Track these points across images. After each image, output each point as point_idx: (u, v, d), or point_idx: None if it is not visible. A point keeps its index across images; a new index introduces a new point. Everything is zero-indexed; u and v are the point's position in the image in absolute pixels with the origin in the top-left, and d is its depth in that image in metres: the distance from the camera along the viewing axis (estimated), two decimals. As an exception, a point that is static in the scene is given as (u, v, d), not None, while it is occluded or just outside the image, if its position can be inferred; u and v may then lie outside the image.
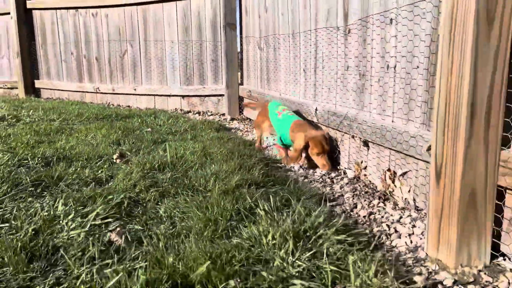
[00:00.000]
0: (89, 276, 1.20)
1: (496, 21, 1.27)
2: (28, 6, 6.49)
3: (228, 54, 4.96)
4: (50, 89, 6.68)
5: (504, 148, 1.38)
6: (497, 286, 1.32)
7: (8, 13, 6.60)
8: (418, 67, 1.88)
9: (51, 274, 1.22)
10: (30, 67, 6.69)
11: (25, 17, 6.53)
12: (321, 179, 2.52)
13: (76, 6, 6.08)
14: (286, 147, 2.93)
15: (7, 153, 2.49)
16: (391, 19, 2.07)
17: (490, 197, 1.38)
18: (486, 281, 1.35)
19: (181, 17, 5.30)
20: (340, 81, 2.65)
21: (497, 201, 1.41)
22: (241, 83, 5.10)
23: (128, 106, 5.85)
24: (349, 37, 2.51)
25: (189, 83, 5.43)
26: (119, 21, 5.78)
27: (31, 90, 6.73)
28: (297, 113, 3.12)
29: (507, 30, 1.28)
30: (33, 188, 2.01)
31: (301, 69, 3.28)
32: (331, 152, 2.71)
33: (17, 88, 6.85)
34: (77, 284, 1.15)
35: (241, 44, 5.02)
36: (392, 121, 2.12)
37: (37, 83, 6.75)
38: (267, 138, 3.38)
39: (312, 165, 2.71)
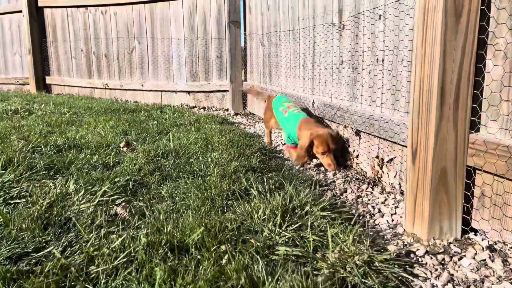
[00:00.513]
0: (97, 240, 1.36)
1: (463, 16, 1.40)
2: (40, 4, 6.70)
3: (232, 51, 5.11)
4: (61, 85, 6.89)
5: (472, 131, 1.51)
6: (464, 255, 1.45)
7: (20, 11, 6.82)
8: (402, 60, 2.01)
9: (63, 238, 1.38)
10: (41, 64, 6.91)
11: (36, 15, 6.74)
12: (315, 168, 2.66)
13: (86, 4, 6.28)
14: (296, 145, 2.79)
15: (21, 140, 2.66)
16: (380, 15, 2.20)
17: (460, 176, 1.52)
18: (455, 252, 1.48)
19: (187, 14, 5.46)
20: (335, 75, 2.79)
21: (467, 180, 1.54)
22: (245, 79, 5.25)
23: (136, 102, 6.03)
24: (343, 33, 2.65)
25: (194, 79, 5.59)
26: (127, 18, 5.96)
27: (42, 86, 6.94)
28: (305, 110, 3.04)
29: (473, 24, 1.41)
30: (46, 172, 2.18)
31: (300, 64, 3.42)
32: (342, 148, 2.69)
33: (28, 84, 7.07)
34: (87, 246, 1.31)
35: (245, 41, 5.17)
36: (381, 111, 2.25)
37: (48, 79, 6.96)
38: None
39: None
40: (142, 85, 5.94)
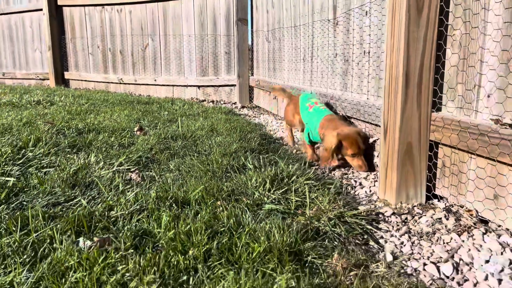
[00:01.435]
0: (115, 196, 1.65)
1: (424, 11, 1.65)
2: (59, 3, 7.07)
3: (240, 47, 5.39)
4: (78, 80, 7.25)
5: (434, 110, 1.76)
6: (424, 215, 1.71)
7: (41, 10, 7.21)
8: (384, 51, 2.26)
9: (88, 194, 1.67)
10: (60, 60, 7.28)
11: (56, 13, 7.12)
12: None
13: (103, 3, 6.62)
14: (313, 144, 2.67)
15: (47, 124, 2.98)
16: (366, 12, 2.46)
17: (423, 149, 1.77)
18: (417, 213, 1.74)
19: (198, 12, 5.76)
20: (330, 67, 3.04)
21: (430, 153, 1.79)
22: (251, 74, 5.53)
23: (149, 96, 6.35)
24: (337, 28, 2.90)
25: (204, 74, 5.89)
26: (141, 16, 6.29)
27: (61, 80, 7.32)
28: (329, 106, 2.91)
29: (434, 18, 1.66)
30: (69, 149, 2.48)
31: (300, 58, 3.69)
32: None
33: (48, 79, 7.46)
34: (107, 199, 1.60)
35: (252, 38, 5.44)
36: (367, 98, 2.51)
37: (66, 75, 7.33)
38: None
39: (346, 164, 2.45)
40: (155, 80, 6.25)
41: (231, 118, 3.87)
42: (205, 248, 1.25)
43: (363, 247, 1.45)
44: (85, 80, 7.15)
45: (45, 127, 2.90)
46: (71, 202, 1.58)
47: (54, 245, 1.24)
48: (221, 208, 1.54)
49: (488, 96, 1.53)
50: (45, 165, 2.08)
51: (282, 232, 1.35)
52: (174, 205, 1.57)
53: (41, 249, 1.20)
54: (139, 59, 6.44)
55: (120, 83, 6.71)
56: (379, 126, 2.32)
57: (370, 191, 2.06)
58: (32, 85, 7.72)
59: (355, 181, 2.22)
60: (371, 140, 2.46)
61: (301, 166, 2.18)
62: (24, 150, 2.28)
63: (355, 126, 2.51)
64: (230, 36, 5.58)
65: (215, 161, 2.24)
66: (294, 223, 1.45)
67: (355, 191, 2.08)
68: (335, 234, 1.49)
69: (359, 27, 2.56)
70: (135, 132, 3.03)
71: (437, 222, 1.63)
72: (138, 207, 1.51)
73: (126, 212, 1.47)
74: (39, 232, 1.30)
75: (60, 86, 7.20)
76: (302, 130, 2.88)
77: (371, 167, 2.34)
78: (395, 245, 1.49)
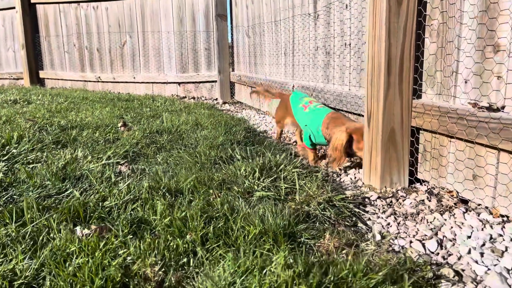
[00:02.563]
0: (107, 188, 1.66)
1: (403, 2, 1.72)
2: (32, 0, 6.91)
3: (220, 43, 5.41)
4: (54, 79, 7.11)
5: (415, 97, 1.84)
6: (408, 198, 1.78)
7: (13, 8, 7.02)
8: (365, 42, 2.33)
9: (79, 186, 1.68)
10: (34, 58, 7.12)
11: (29, 11, 6.95)
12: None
13: (78, 0, 6.51)
14: (315, 147, 2.47)
15: (29, 121, 2.94)
16: (346, 5, 2.52)
17: (406, 135, 1.85)
18: (401, 196, 1.81)
19: (176, 9, 5.74)
20: (312, 60, 3.11)
21: (412, 139, 1.87)
22: (232, 70, 5.55)
23: (128, 93, 6.29)
24: (317, 22, 2.97)
25: (184, 70, 5.87)
26: (118, 13, 6.22)
27: (36, 80, 7.16)
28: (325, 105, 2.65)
29: (412, 8, 1.73)
30: (54, 145, 2.46)
31: (282, 52, 3.74)
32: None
33: (22, 78, 7.28)
34: (100, 191, 1.61)
35: (232, 33, 5.46)
36: (349, 89, 2.58)
37: (41, 74, 7.18)
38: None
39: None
40: (134, 78, 6.20)
41: (214, 113, 3.89)
42: (202, 233, 1.28)
43: (352, 228, 1.51)
44: (62, 79, 7.02)
45: (26, 124, 2.86)
46: (63, 194, 1.58)
47: (51, 234, 1.25)
48: (214, 196, 1.58)
49: (466, 82, 1.61)
50: (31, 161, 2.06)
51: (275, 215, 1.40)
52: (167, 194, 1.59)
53: (40, 238, 1.20)
54: (117, 56, 6.37)
55: (98, 82, 6.62)
56: (362, 116, 2.39)
57: (355, 177, 2.13)
58: (6, 85, 7.53)
59: (340, 169, 2.28)
60: (354, 129, 2.52)
61: (288, 156, 2.23)
62: (8, 147, 2.25)
63: (360, 122, 2.32)
64: (210, 32, 5.59)
65: (203, 153, 2.27)
66: (286, 208, 1.50)
67: (340, 179, 2.15)
68: (325, 217, 1.54)
69: (340, 20, 2.63)
70: (119, 128, 3.02)
71: (420, 204, 1.71)
72: (131, 197, 1.53)
73: (120, 202, 1.49)
74: (35, 222, 1.30)
75: (35, 85, 7.04)
76: (300, 133, 2.77)
77: None
78: (382, 225, 1.56)
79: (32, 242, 1.19)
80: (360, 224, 1.56)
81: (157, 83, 6.09)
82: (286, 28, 3.58)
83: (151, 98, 5.07)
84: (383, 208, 1.71)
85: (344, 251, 1.29)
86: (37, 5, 6.97)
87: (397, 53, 1.76)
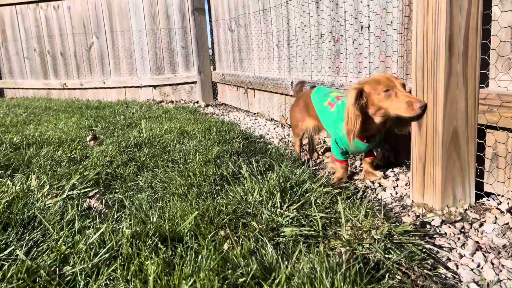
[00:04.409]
0: (70, 237, 1.13)
1: (468, -44, 1.27)
2: (-15, 2, 6.19)
3: (199, 40, 4.89)
4: (14, 88, 6.41)
5: (482, 86, 1.39)
6: (484, 221, 1.33)
7: (-37, 11, 6.28)
8: (392, 22, 1.88)
9: (27, 238, 1.14)
10: (-10, 67, 6.40)
11: (-18, 14, 6.23)
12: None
13: (36, 0, 5.84)
14: (346, 158, 1.87)
15: (-29, 141, 2.35)
16: (362, -21, 2.06)
17: (471, 135, 1.39)
18: (473, 218, 1.36)
19: (148, 5, 5.18)
20: (315, 50, 2.64)
21: (479, 141, 1.42)
22: (214, 69, 5.04)
23: (98, 100, 5.67)
24: (320, 4, 2.50)
25: (160, 72, 5.32)
26: (82, 12, 5.59)
27: (-7, 90, 6.44)
28: None
29: (479, -35, 1.28)
30: (2, 171, 1.90)
31: (274, 44, 3.26)
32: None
33: (-23, 89, 6.54)
34: (59, 244, 1.08)
35: (211, 29, 4.95)
36: (369, 82, 2.11)
37: (0, 84, 6.46)
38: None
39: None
40: (104, 83, 5.59)
41: (199, 118, 3.38)
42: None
43: (434, 279, 1.04)
44: (22, 88, 6.32)
45: (-32, 144, 2.28)
46: (2, 255, 1.05)
47: None
48: (228, 242, 1.08)
49: None
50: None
51: (330, 273, 0.91)
52: (160, 244, 1.08)
53: None
54: (84, 60, 5.74)
55: (64, 89, 5.97)
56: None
57: (396, 192, 1.67)
58: (-41, 97, 6.76)
59: (372, 182, 1.82)
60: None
61: (306, 169, 1.75)
62: None
63: None
64: (187, 29, 5.06)
65: (198, 170, 1.76)
66: (332, 253, 1.02)
67: (377, 195, 1.68)
68: (392, 263, 1.07)
69: (353, -1, 2.17)
70: (88, 143, 2.47)
71: (508, 230, 1.26)
72: (106, 254, 1.01)
73: (89, 266, 0.97)
74: None
75: (-8, 96, 6.33)
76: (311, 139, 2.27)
77: None
78: (472, 269, 1.10)
79: None
80: (441, 270, 1.09)
81: (130, 87, 5.50)
82: (279, 17, 3.10)
83: (125, 104, 4.50)
84: (458, 238, 1.25)
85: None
86: (-10, 8, 6.26)
87: (461, 26, 1.30)
